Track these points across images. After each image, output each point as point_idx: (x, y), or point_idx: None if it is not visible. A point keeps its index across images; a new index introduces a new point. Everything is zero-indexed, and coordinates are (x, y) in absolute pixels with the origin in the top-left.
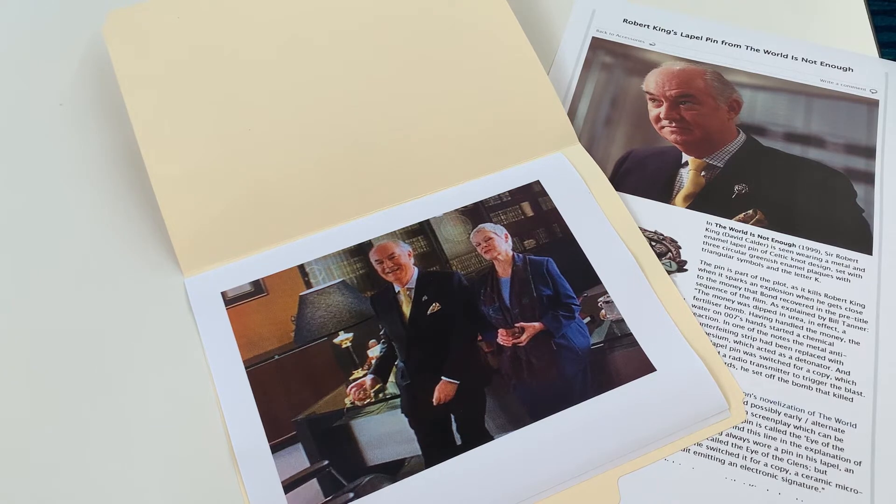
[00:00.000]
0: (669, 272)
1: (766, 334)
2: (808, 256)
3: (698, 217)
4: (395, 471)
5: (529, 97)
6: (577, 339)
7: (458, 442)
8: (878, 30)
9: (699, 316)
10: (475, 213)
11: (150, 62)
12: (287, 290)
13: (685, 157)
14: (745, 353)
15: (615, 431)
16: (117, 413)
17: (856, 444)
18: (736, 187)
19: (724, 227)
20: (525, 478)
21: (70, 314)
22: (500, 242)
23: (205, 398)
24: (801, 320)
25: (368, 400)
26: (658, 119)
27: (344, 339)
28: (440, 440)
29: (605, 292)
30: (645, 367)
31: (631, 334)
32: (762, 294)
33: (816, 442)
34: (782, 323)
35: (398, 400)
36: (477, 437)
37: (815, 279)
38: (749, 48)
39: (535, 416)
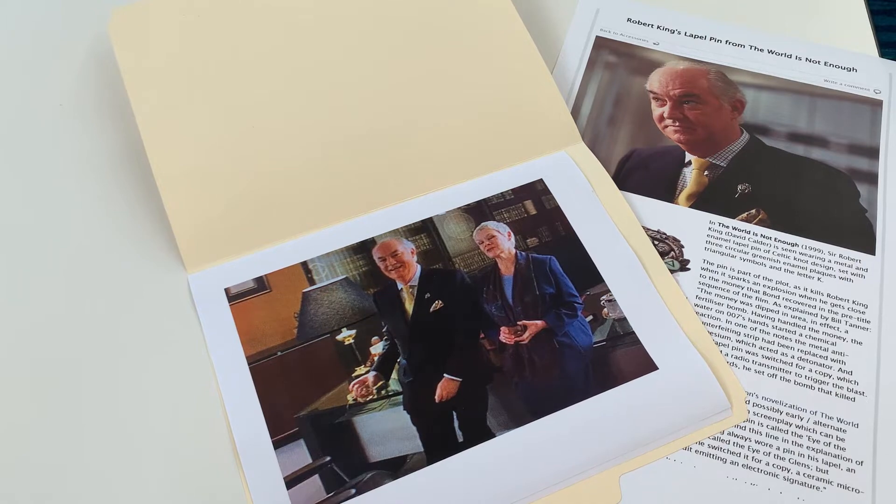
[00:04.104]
0: (672, 271)
1: (768, 333)
2: (810, 256)
3: (701, 216)
4: (396, 467)
5: (533, 96)
6: (580, 338)
7: (460, 439)
8: (879, 30)
9: (701, 315)
10: (478, 211)
11: (154, 59)
12: (290, 286)
13: (688, 157)
14: (747, 352)
15: (617, 430)
16: (120, 409)
17: (857, 443)
18: (739, 187)
19: (727, 227)
20: (526, 475)
21: (73, 311)
22: (503, 240)
23: (207, 394)
24: (804, 320)
25: (371, 396)
26: (661, 118)
27: (347, 335)
28: (442, 437)
29: (608, 291)
30: (647, 366)
31: (633, 333)
32: (765, 293)
33: (818, 441)
34: (785, 322)
35: (400, 397)
36: (479, 434)
37: (818, 279)
38: (753, 48)
39: (536, 414)
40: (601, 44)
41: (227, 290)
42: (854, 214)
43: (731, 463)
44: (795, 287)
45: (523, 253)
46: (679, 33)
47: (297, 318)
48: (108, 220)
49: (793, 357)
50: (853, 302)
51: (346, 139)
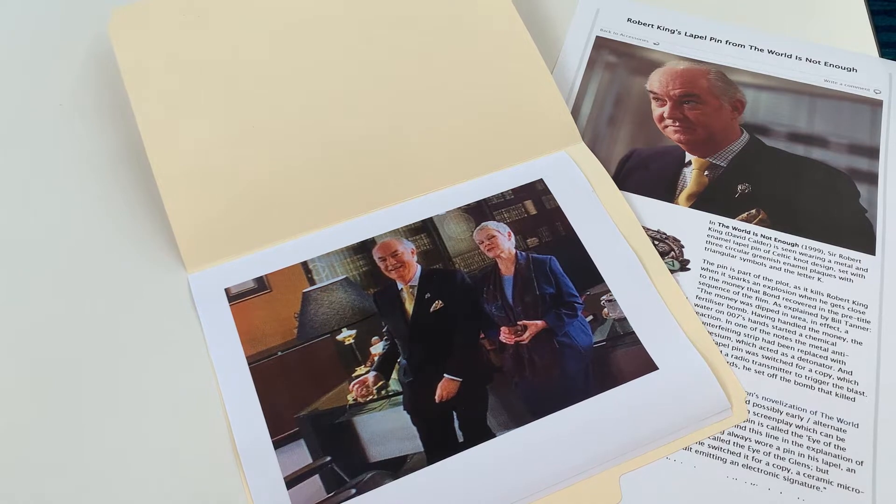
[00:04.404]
0: (672, 271)
1: (768, 334)
2: (810, 256)
3: (701, 216)
4: (397, 467)
5: (533, 96)
6: (580, 338)
7: (460, 439)
8: (879, 30)
9: (701, 315)
10: (478, 211)
11: (154, 59)
12: (290, 286)
13: (688, 157)
14: (747, 352)
15: (617, 430)
16: (120, 409)
17: (857, 443)
18: (739, 187)
19: (727, 227)
20: (526, 475)
21: (73, 311)
22: (503, 240)
23: (208, 394)
24: (804, 320)
25: (371, 397)
26: (661, 118)
27: (347, 335)
28: (442, 437)
29: (608, 291)
30: (647, 366)
31: (633, 333)
32: (765, 293)
33: (818, 441)
34: (785, 322)
35: (400, 397)
36: (479, 434)
37: (818, 279)
38: (753, 48)
39: (536, 414)
40: (601, 44)
41: (227, 290)
42: (854, 214)
43: (731, 463)
44: (795, 287)
45: (523, 253)
46: (679, 33)
47: (298, 318)
48: (108, 220)
49: (793, 357)
50: (853, 302)
51: (346, 139)
